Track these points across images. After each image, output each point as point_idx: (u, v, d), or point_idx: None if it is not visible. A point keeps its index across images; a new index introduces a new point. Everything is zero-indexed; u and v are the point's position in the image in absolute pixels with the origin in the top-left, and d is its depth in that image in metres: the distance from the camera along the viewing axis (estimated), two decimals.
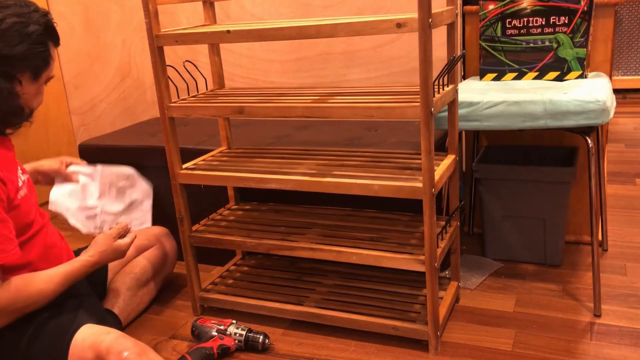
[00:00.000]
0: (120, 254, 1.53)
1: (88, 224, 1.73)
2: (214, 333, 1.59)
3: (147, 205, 1.85)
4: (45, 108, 2.75)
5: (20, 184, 1.40)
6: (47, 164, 1.72)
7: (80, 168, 1.77)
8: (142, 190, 1.85)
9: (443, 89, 1.48)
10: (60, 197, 1.71)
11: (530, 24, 1.84)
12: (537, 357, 1.49)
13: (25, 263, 1.41)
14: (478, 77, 1.96)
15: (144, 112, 2.75)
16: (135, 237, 1.59)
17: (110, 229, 1.56)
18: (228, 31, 1.47)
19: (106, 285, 1.75)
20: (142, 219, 1.84)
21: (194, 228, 1.78)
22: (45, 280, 1.39)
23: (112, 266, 1.76)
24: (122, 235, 1.55)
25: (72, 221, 1.71)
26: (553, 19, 1.80)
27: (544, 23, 1.82)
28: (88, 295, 1.59)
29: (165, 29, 1.57)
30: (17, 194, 1.37)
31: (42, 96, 1.46)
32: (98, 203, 1.75)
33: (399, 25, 1.28)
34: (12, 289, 1.33)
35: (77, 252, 1.63)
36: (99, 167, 1.79)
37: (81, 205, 1.73)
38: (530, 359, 1.48)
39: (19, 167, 1.45)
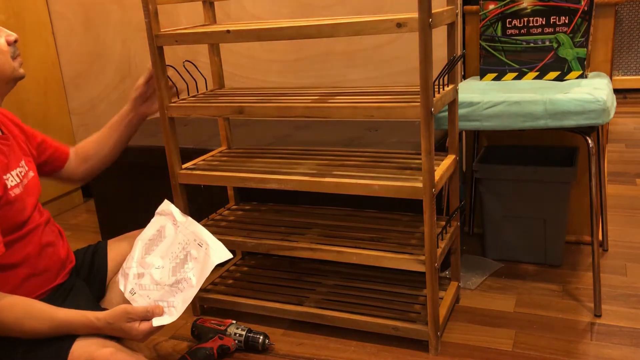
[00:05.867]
0: (129, 337, 1.30)
1: (121, 280, 1.46)
2: (214, 333, 1.59)
3: (190, 294, 1.28)
4: (45, 108, 2.75)
5: (14, 183, 1.37)
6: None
7: (168, 207, 1.45)
8: (201, 270, 1.30)
9: (443, 89, 1.48)
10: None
11: (531, 24, 1.84)
12: (537, 357, 1.48)
13: (21, 260, 1.38)
14: (478, 77, 1.96)
15: None
16: (156, 329, 1.27)
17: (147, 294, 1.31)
18: (228, 31, 1.47)
19: (105, 284, 1.74)
20: (174, 307, 1.29)
21: None
22: (34, 315, 1.27)
23: (111, 265, 1.75)
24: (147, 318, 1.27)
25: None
26: (553, 18, 1.80)
27: (544, 23, 1.82)
28: (85, 296, 1.58)
29: (165, 29, 1.57)
30: (6, 192, 1.35)
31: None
32: (155, 262, 1.38)
33: (399, 25, 1.28)
34: None
35: (76, 253, 1.62)
36: (185, 217, 1.41)
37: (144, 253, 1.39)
38: (530, 359, 1.48)
39: (19, 165, 1.43)
